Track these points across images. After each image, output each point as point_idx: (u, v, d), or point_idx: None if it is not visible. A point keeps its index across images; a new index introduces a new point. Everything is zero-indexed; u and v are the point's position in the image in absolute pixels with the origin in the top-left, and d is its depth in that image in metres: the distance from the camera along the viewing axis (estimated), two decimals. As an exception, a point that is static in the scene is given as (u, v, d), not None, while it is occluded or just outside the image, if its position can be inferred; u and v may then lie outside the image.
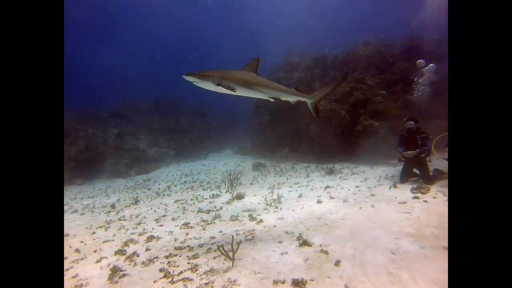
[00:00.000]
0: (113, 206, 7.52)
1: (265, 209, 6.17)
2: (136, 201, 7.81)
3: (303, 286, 3.29)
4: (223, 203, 6.89)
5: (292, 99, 5.19)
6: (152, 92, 18.87)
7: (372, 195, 6.51)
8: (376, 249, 3.93)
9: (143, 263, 4.12)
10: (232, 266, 3.81)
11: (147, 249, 4.58)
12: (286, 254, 4.05)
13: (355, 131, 10.82)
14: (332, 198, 6.59)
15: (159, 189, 9.15)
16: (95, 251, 4.71)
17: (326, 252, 3.97)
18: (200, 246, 4.56)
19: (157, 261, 4.16)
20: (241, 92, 4.48)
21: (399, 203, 5.76)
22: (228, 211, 6.23)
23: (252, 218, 5.59)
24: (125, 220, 6.30)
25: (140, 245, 4.77)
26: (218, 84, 4.13)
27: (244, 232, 4.93)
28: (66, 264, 4.32)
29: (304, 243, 4.29)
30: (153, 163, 14.10)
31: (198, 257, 4.18)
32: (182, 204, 7.14)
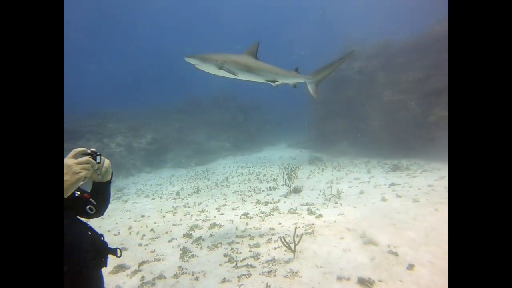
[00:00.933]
0: (177, 194, 8.18)
1: (324, 204, 6.00)
2: (198, 190, 8.36)
3: (370, 285, 3.12)
4: (280, 196, 6.92)
5: (290, 81, 5.08)
6: (211, 87, 19.83)
7: (448, 195, 5.78)
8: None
9: (208, 247, 4.40)
10: (294, 258, 3.81)
11: (211, 235, 4.87)
12: (349, 251, 3.88)
13: (428, 123, 9.72)
14: (399, 196, 6.06)
15: (217, 180, 9.63)
16: (166, 232, 5.20)
17: (395, 254, 3.68)
18: (261, 236, 4.66)
19: (221, 246, 4.39)
20: (242, 75, 4.49)
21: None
22: (286, 204, 6.24)
23: (311, 212, 5.49)
24: (189, 207, 6.80)
25: (204, 231, 5.10)
26: (220, 68, 4.19)
27: (303, 226, 4.88)
28: (145, 241, 4.87)
29: (370, 241, 4.05)
30: (211, 155, 14.92)
31: (259, 246, 4.28)
32: (241, 195, 7.39)
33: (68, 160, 1.12)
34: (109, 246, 1.37)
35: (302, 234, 4.18)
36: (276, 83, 4.84)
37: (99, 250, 1.29)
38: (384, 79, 11.72)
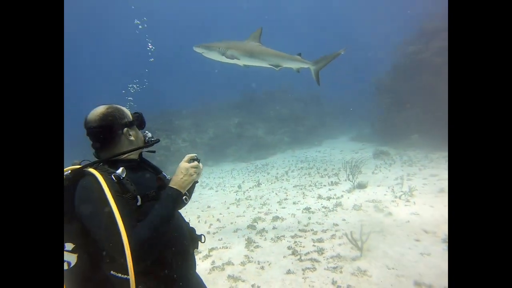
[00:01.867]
0: (239, 187, 8.54)
1: (393, 201, 5.54)
2: (259, 184, 8.59)
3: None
4: (343, 191, 6.63)
5: (294, 65, 5.06)
6: (268, 82, 20.00)
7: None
8: None
9: (272, 239, 4.49)
10: (361, 255, 3.62)
11: (274, 228, 4.96)
12: (428, 255, 3.51)
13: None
14: (489, 196, 5.20)
15: (277, 173, 9.73)
16: (231, 223, 5.49)
17: (486, 261, 3.18)
18: (324, 231, 4.56)
19: (284, 239, 4.44)
20: (245, 60, 4.57)
21: None
22: (349, 200, 5.95)
23: (378, 210, 5.13)
24: (251, 199, 7.04)
25: (267, 223, 5.23)
26: (223, 54, 4.31)
27: (370, 224, 4.59)
28: (213, 229, 5.25)
29: (452, 245, 3.59)
30: (270, 150, 15.12)
31: (323, 241, 4.19)
32: (301, 189, 7.33)
33: (185, 164, 1.34)
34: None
35: (369, 232, 3.94)
36: (279, 67, 4.90)
37: (192, 234, 1.45)
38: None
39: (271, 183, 8.54)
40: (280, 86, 19.49)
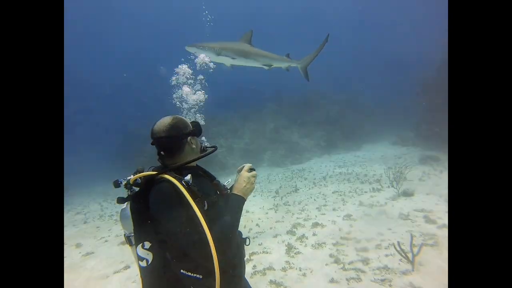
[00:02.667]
0: (277, 192, 8.52)
1: (447, 212, 5.11)
2: (296, 189, 8.49)
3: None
4: (387, 198, 6.29)
5: (284, 65, 5.53)
6: (302, 87, 19.82)
7: None
8: None
9: (312, 245, 4.41)
10: (413, 270, 3.40)
11: (314, 234, 4.87)
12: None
13: None
14: None
15: (315, 179, 9.53)
16: (270, 228, 5.50)
17: None
18: (368, 240, 4.36)
19: (325, 246, 4.34)
20: (239, 60, 4.87)
21: None
22: (394, 208, 5.62)
23: (429, 221, 4.77)
24: (289, 205, 6.98)
25: (307, 230, 5.14)
26: (219, 54, 4.48)
27: (421, 235, 4.28)
28: (252, 234, 5.31)
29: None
30: (306, 154, 14.91)
31: (367, 251, 4.01)
32: (341, 195, 7.10)
33: (247, 173, 1.48)
34: None
35: (421, 245, 3.68)
36: (270, 67, 5.32)
37: (240, 237, 1.50)
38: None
39: (309, 189, 8.40)
40: (314, 92, 19.16)
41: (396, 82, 22.94)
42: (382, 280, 3.27)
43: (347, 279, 3.38)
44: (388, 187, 7.01)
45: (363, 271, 3.51)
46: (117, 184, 1.27)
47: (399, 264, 3.56)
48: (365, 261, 3.72)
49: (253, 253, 4.40)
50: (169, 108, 3.39)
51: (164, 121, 1.39)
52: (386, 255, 3.83)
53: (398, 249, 3.61)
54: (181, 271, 1.18)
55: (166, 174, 1.22)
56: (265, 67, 5.37)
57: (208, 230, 1.06)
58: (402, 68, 23.86)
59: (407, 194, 6.30)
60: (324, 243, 4.45)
